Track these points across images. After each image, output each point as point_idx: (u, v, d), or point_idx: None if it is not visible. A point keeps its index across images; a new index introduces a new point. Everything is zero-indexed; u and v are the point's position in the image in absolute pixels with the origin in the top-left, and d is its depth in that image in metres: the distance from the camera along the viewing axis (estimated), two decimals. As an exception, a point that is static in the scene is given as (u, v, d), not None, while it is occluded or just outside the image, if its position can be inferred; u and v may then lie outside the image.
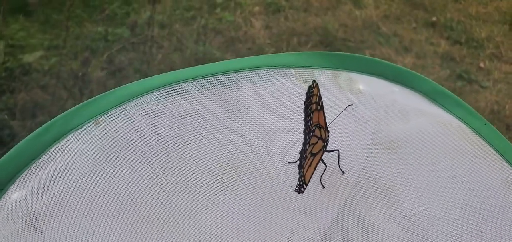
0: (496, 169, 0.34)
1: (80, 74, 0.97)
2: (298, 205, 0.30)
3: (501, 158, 0.35)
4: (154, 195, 0.29)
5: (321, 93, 0.29)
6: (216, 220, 0.29)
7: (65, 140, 0.29)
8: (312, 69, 0.35)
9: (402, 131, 0.35)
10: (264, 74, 0.33)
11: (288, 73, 0.34)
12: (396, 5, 1.40)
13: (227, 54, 1.15)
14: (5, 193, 0.28)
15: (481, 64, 1.24)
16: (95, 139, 0.30)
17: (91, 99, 0.31)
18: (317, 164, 0.29)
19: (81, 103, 0.31)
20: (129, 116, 0.31)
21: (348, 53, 0.37)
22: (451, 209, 0.32)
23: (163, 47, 1.14)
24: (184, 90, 0.32)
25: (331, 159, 0.31)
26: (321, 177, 0.31)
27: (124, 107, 0.31)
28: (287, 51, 1.19)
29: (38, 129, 0.29)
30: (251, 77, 0.33)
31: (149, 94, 0.31)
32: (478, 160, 0.34)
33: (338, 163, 0.31)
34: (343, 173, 0.32)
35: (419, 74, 0.38)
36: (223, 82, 0.33)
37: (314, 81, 0.28)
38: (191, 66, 0.32)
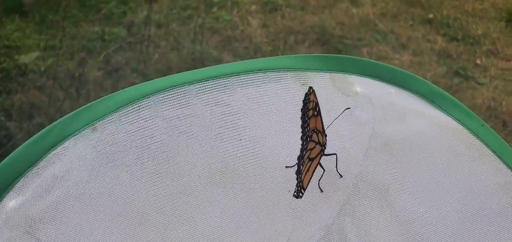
0: (493, 171, 0.34)
1: (76, 74, 0.97)
2: (296, 208, 0.30)
3: (498, 160, 0.35)
4: (151, 199, 0.29)
5: (318, 96, 0.29)
6: (213, 224, 0.29)
7: (62, 146, 0.29)
8: (308, 72, 0.35)
9: (399, 133, 0.35)
10: (260, 78, 0.33)
11: (284, 77, 0.34)
12: (392, 2, 1.40)
13: (224, 53, 1.15)
14: (1, 200, 0.27)
15: (478, 61, 1.24)
16: (92, 145, 0.30)
17: (88, 104, 0.31)
18: (315, 168, 0.29)
19: (78, 109, 0.30)
20: (126, 121, 0.31)
21: (345, 56, 0.37)
22: (448, 212, 0.32)
23: (160, 46, 1.14)
24: (181, 95, 0.32)
25: (329, 162, 0.31)
26: (319, 181, 0.31)
27: (121, 112, 0.31)
28: (284, 49, 1.19)
29: (35, 136, 0.29)
30: (247, 81, 0.33)
31: (146, 99, 0.31)
32: (475, 162, 0.34)
33: (336, 166, 0.31)
34: (341, 176, 0.32)
35: (416, 75, 0.38)
36: (219, 87, 0.33)
37: (310, 88, 0.28)
38: (188, 65, 0.32)
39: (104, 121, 0.30)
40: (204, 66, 0.34)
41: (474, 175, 0.34)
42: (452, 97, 0.37)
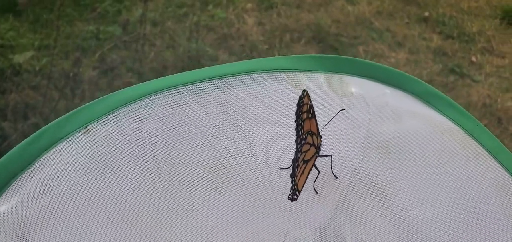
0: (488, 171, 0.34)
1: (71, 74, 0.96)
2: (292, 209, 0.30)
3: (493, 159, 0.35)
4: (145, 200, 0.29)
5: (313, 97, 0.29)
6: (208, 224, 0.29)
7: (55, 149, 0.29)
8: (303, 73, 0.35)
9: (394, 133, 0.35)
10: (255, 78, 0.33)
11: (279, 77, 0.34)
12: (388, 1, 1.40)
13: (219, 51, 1.14)
14: (-6, 203, 0.27)
15: (473, 59, 1.25)
16: (86, 147, 0.29)
17: (81, 107, 0.31)
18: (310, 170, 0.29)
19: (72, 111, 0.30)
20: (119, 123, 0.30)
21: (340, 56, 0.37)
22: (443, 211, 0.32)
23: (156, 45, 1.14)
24: (175, 96, 0.32)
25: (324, 164, 0.31)
26: (314, 182, 0.31)
27: (114, 114, 0.31)
28: (280, 47, 1.19)
29: (28, 138, 0.29)
30: (242, 81, 0.33)
31: (140, 100, 0.31)
32: (470, 161, 0.34)
33: (331, 168, 0.31)
34: (336, 177, 0.32)
35: (411, 75, 0.38)
36: (214, 87, 0.33)
37: (304, 90, 0.28)
38: (183, 63, 0.32)
39: (98, 122, 0.30)
40: (200, 64, 0.34)
41: (469, 175, 0.34)
42: (447, 97, 0.37)
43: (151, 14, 1.21)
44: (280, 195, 0.30)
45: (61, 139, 0.29)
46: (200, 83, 0.32)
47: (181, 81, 0.32)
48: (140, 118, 0.31)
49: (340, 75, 0.36)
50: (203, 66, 0.34)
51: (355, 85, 0.36)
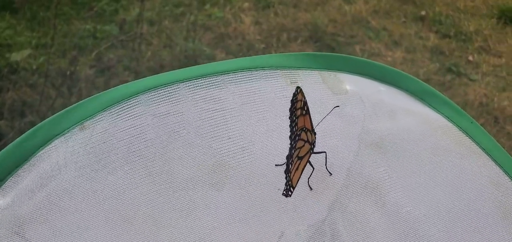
0: (482, 168, 0.34)
1: (68, 72, 0.96)
2: (287, 205, 0.30)
3: (487, 157, 0.35)
4: (142, 197, 0.29)
5: (308, 95, 0.29)
6: (205, 221, 0.29)
7: (51, 145, 0.29)
8: (298, 70, 0.35)
9: (389, 130, 0.35)
10: (250, 75, 0.33)
11: (274, 75, 0.34)
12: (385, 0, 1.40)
13: (216, 51, 1.14)
14: (-11, 200, 0.27)
15: (470, 58, 1.25)
16: (82, 143, 0.30)
17: (77, 103, 0.31)
18: (305, 166, 0.29)
19: (67, 108, 0.30)
20: (115, 119, 0.30)
21: (335, 54, 0.37)
22: (438, 208, 0.32)
23: (153, 44, 1.14)
24: (171, 93, 0.32)
25: (319, 160, 0.31)
26: (308, 179, 0.31)
27: (110, 111, 0.31)
28: (277, 47, 1.19)
29: (23, 135, 0.29)
30: (237, 78, 0.33)
31: (136, 97, 0.31)
32: (464, 159, 0.34)
33: (326, 164, 0.32)
34: (331, 174, 0.32)
35: (406, 73, 0.38)
36: (210, 84, 0.33)
37: (298, 87, 0.28)
38: (180, 62, 0.32)
39: (93, 119, 0.30)
40: (197, 63, 0.34)
41: (463, 172, 0.34)
42: (442, 95, 0.37)
43: (148, 13, 1.21)
44: (275, 191, 0.30)
45: (57, 135, 0.29)
46: (195, 80, 0.32)
47: (176, 78, 0.32)
48: (136, 115, 0.31)
49: (335, 72, 0.36)
50: (200, 66, 0.34)
51: (350, 82, 0.36)
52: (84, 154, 0.29)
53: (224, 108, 0.32)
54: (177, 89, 0.32)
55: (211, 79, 0.33)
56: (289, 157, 0.28)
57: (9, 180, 0.28)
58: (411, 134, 0.35)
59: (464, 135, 0.36)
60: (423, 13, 1.38)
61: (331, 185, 0.32)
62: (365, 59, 0.38)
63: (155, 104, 0.31)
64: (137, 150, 0.30)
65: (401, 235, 0.31)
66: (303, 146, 0.29)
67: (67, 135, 0.30)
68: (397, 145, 0.34)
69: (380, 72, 0.37)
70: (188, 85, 0.32)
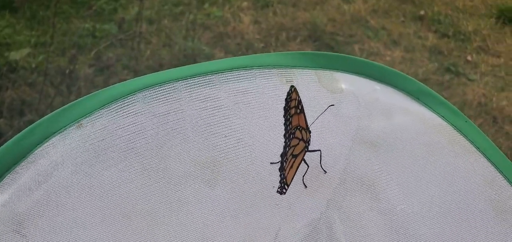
0: (476, 166, 0.35)
1: (67, 71, 0.96)
2: (282, 203, 0.31)
3: (482, 155, 0.35)
4: (139, 194, 0.29)
5: (304, 94, 0.29)
6: (201, 218, 0.29)
7: (48, 143, 0.29)
8: (294, 69, 0.35)
9: (384, 129, 0.35)
10: (246, 75, 0.34)
11: (270, 74, 0.34)
12: (384, -1, 1.41)
13: (215, 50, 1.15)
14: (-13, 198, 0.28)
15: (469, 57, 1.25)
16: (79, 141, 0.30)
17: (75, 101, 0.31)
18: (299, 164, 0.30)
19: (65, 106, 0.31)
20: (112, 118, 0.31)
21: (331, 53, 0.37)
22: (432, 205, 0.33)
23: (152, 43, 1.14)
24: (168, 91, 0.32)
25: (314, 159, 0.32)
26: (303, 177, 0.31)
27: (107, 109, 0.31)
28: (276, 46, 1.20)
29: (21, 132, 0.29)
30: (234, 77, 0.34)
31: (133, 95, 0.31)
32: (458, 157, 0.35)
33: (320, 162, 0.32)
34: (325, 172, 0.32)
35: (402, 73, 0.38)
36: (207, 83, 0.33)
37: (292, 86, 0.28)
38: (179, 61, 0.33)
39: (91, 117, 0.31)
40: (195, 62, 0.34)
41: (457, 170, 0.34)
42: (437, 94, 0.38)
43: (147, 12, 1.21)
44: (270, 189, 0.31)
45: (54, 133, 0.30)
46: (192, 79, 0.33)
47: (173, 77, 0.32)
48: (132, 113, 0.31)
49: (331, 72, 0.36)
50: (199, 65, 0.34)
51: (346, 81, 0.36)
52: (81, 151, 0.30)
53: (220, 107, 0.33)
54: (174, 87, 0.32)
55: (208, 78, 0.33)
56: (283, 155, 0.29)
57: (6, 177, 0.28)
58: (406, 132, 0.35)
59: (459, 134, 0.36)
60: (422, 12, 1.38)
61: (326, 183, 0.32)
62: (361, 58, 0.38)
63: (152, 102, 0.32)
64: (134, 147, 0.30)
65: (396, 232, 0.32)
66: (298, 144, 0.29)
67: (64, 132, 0.30)
68: (392, 143, 0.34)
69: (376, 71, 0.37)
70: (185, 84, 0.32)
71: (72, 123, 0.30)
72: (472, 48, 1.28)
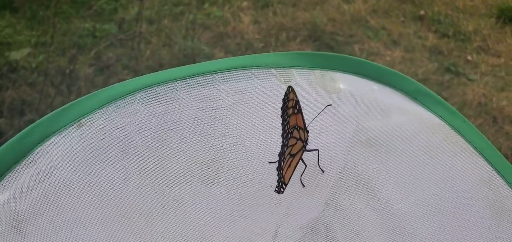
0: (474, 166, 0.35)
1: (67, 71, 0.97)
2: (281, 202, 0.31)
3: (479, 155, 0.36)
4: (138, 193, 0.30)
5: (302, 94, 0.29)
6: (200, 218, 0.30)
7: (48, 142, 0.30)
8: (292, 69, 0.35)
9: (382, 128, 0.35)
10: (245, 74, 0.34)
11: (269, 74, 0.34)
12: (384, -1, 1.41)
13: (215, 50, 1.15)
14: (-13, 196, 0.28)
15: (469, 57, 1.25)
16: (79, 140, 0.30)
17: (74, 101, 0.31)
18: (297, 164, 0.30)
19: (65, 106, 0.31)
20: (112, 117, 0.31)
21: (329, 53, 0.37)
22: (429, 204, 0.33)
23: (152, 43, 1.14)
24: (167, 91, 0.32)
25: (312, 158, 0.32)
26: (301, 176, 0.31)
27: (107, 109, 0.31)
28: (275, 46, 1.20)
29: (21, 132, 0.29)
30: (233, 77, 0.34)
31: (132, 95, 0.32)
32: (455, 157, 0.35)
33: (318, 162, 0.32)
34: (323, 171, 0.32)
35: (400, 73, 0.38)
36: (205, 83, 0.33)
37: (289, 87, 0.28)
38: (179, 61, 0.33)
39: (91, 116, 0.31)
40: (195, 62, 0.34)
41: (454, 170, 0.34)
42: (435, 94, 0.38)
43: (147, 12, 1.21)
44: (268, 187, 0.31)
45: (55, 132, 0.30)
46: (191, 79, 0.33)
47: (172, 76, 0.33)
48: (131, 113, 0.31)
49: (329, 72, 0.36)
50: (198, 65, 0.34)
51: (344, 82, 0.36)
52: (81, 150, 0.30)
53: (218, 107, 0.33)
54: (173, 87, 0.32)
55: (207, 77, 0.33)
56: (281, 154, 0.29)
57: (7, 176, 0.28)
58: (403, 132, 0.35)
59: (456, 134, 0.36)
60: (422, 12, 1.38)
61: (324, 182, 0.32)
62: (359, 58, 0.38)
63: (151, 102, 0.32)
64: (133, 146, 0.30)
65: (394, 231, 0.32)
66: (296, 143, 0.29)
67: (64, 132, 0.30)
68: (390, 143, 0.35)
69: (374, 71, 0.38)
70: (184, 84, 0.33)
71: (72, 122, 0.30)
72: (472, 48, 1.28)
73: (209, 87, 0.33)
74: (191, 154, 0.31)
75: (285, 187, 0.29)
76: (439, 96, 0.38)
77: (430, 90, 0.38)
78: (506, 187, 0.35)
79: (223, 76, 0.33)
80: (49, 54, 1.00)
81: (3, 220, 0.27)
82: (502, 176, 0.35)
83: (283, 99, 0.28)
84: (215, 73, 0.33)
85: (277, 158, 0.29)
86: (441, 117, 0.37)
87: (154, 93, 0.32)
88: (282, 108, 0.29)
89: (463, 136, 0.36)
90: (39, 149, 0.29)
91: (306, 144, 0.30)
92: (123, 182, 0.29)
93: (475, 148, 0.36)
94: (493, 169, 0.35)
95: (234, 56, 1.12)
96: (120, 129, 0.31)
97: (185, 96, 0.32)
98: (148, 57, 1.10)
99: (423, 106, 0.37)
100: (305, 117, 0.30)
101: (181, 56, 1.10)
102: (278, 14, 1.30)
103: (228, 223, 0.30)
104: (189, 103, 0.32)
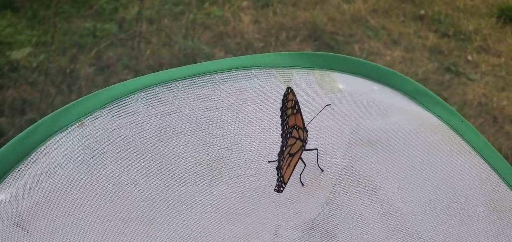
0: (472, 165, 0.35)
1: (68, 70, 0.97)
2: (280, 201, 0.31)
3: (477, 155, 0.36)
4: (140, 192, 0.30)
5: (301, 93, 0.29)
6: (199, 215, 0.30)
7: (50, 142, 0.30)
8: (292, 69, 0.35)
9: (381, 128, 0.35)
10: (245, 74, 0.34)
11: (269, 74, 0.35)
12: (384, -1, 1.41)
13: (215, 49, 1.15)
14: (-9, 194, 0.28)
15: (469, 57, 1.25)
16: (81, 140, 0.30)
17: (77, 100, 0.31)
18: (296, 163, 0.30)
19: (67, 105, 0.31)
20: (114, 116, 0.31)
21: (328, 53, 0.38)
22: (428, 203, 0.33)
23: (152, 42, 1.15)
24: (168, 91, 0.33)
25: (311, 157, 0.32)
26: (300, 175, 0.32)
27: (109, 108, 0.31)
28: (276, 45, 1.20)
29: (24, 131, 0.30)
30: (233, 77, 0.34)
31: (133, 95, 0.32)
32: (454, 156, 0.35)
33: (317, 161, 0.32)
34: (322, 170, 0.32)
35: (399, 73, 0.39)
36: (206, 83, 0.33)
37: (288, 88, 0.29)
38: (179, 61, 0.33)
39: (92, 116, 0.31)
40: (195, 62, 0.34)
41: (453, 169, 0.35)
42: (434, 94, 0.38)
43: (148, 11, 1.21)
44: (267, 186, 0.31)
45: (57, 132, 0.30)
46: (191, 79, 0.33)
47: (172, 76, 0.33)
48: (132, 113, 0.31)
49: (329, 72, 0.36)
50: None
51: (343, 82, 0.36)
52: (82, 150, 0.30)
53: (219, 107, 0.33)
54: (174, 87, 0.33)
55: (207, 77, 0.33)
56: (280, 154, 0.29)
57: (10, 175, 0.29)
58: (402, 131, 0.36)
59: (455, 133, 0.36)
60: (422, 12, 1.39)
61: (324, 181, 0.32)
62: (358, 58, 0.38)
63: (152, 102, 0.32)
64: (134, 146, 0.31)
65: (393, 230, 0.32)
66: (295, 143, 0.30)
67: (66, 131, 0.30)
68: (389, 142, 0.35)
69: (373, 71, 0.38)
70: (185, 84, 0.33)
71: (74, 122, 0.31)
72: (473, 48, 1.28)
73: (209, 87, 0.33)
74: (191, 153, 0.31)
75: (285, 186, 0.29)
76: (438, 96, 0.38)
77: (429, 90, 0.38)
78: (504, 186, 0.35)
79: (223, 76, 0.34)
80: (49, 54, 1.01)
81: (6, 218, 0.27)
82: (500, 175, 0.35)
83: (283, 100, 0.29)
84: (215, 73, 0.34)
85: (277, 157, 0.29)
86: (439, 117, 0.37)
87: (155, 93, 0.32)
88: (281, 108, 0.29)
89: (461, 135, 0.36)
90: (41, 148, 0.30)
91: (306, 143, 0.31)
92: (125, 181, 0.30)
93: (473, 148, 0.36)
94: (491, 168, 0.35)
95: (234, 55, 1.12)
96: (122, 128, 0.31)
97: (186, 96, 0.33)
98: (148, 57, 1.10)
99: (422, 106, 0.38)
100: (304, 117, 0.30)
101: (181, 56, 1.11)
102: (278, 13, 1.30)
103: (228, 222, 0.30)
104: (190, 103, 0.32)
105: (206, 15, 1.27)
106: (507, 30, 1.34)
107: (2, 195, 0.28)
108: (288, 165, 0.29)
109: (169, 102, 0.32)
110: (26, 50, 1.02)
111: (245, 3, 1.32)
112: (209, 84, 0.33)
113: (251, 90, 0.34)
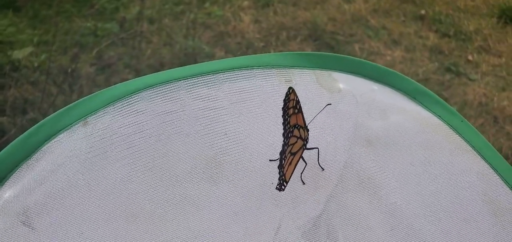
0: (471, 164, 0.35)
1: (69, 70, 0.97)
2: (281, 200, 0.31)
3: (477, 154, 0.36)
4: (141, 191, 0.30)
5: (302, 93, 0.30)
6: (201, 214, 0.30)
7: (55, 140, 0.30)
8: (293, 69, 0.36)
9: (381, 127, 0.36)
10: (246, 74, 0.34)
11: (270, 73, 0.35)
12: (384, -2, 1.41)
13: (216, 49, 1.15)
14: (-4, 192, 0.28)
15: (469, 57, 1.25)
16: (84, 139, 0.30)
17: (80, 100, 0.32)
18: (297, 162, 0.30)
19: (70, 105, 0.31)
20: (116, 116, 0.31)
21: (329, 53, 0.38)
22: (428, 201, 0.33)
23: (153, 42, 1.15)
24: (170, 91, 0.33)
25: (312, 156, 0.32)
26: (301, 174, 0.32)
27: (112, 107, 0.32)
28: (276, 45, 1.20)
29: (29, 130, 0.30)
30: (234, 77, 0.34)
31: (136, 94, 0.32)
32: (454, 156, 0.35)
33: (318, 160, 0.33)
34: (323, 169, 0.33)
35: (399, 73, 0.39)
36: (207, 82, 0.34)
37: (290, 88, 0.29)
38: (180, 60, 0.33)
39: (95, 115, 0.31)
40: (196, 62, 0.35)
41: (452, 168, 0.35)
42: (434, 94, 0.38)
43: (148, 11, 1.22)
44: (269, 185, 0.31)
45: (60, 131, 0.30)
46: (193, 78, 0.33)
47: (174, 76, 0.33)
48: (135, 112, 0.32)
49: (329, 72, 0.37)
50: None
51: (344, 81, 0.37)
52: (86, 149, 0.30)
53: (220, 106, 0.33)
54: (176, 87, 0.33)
55: (209, 77, 0.34)
56: (282, 152, 0.29)
57: (14, 173, 0.29)
58: (402, 131, 0.36)
59: (454, 133, 0.37)
60: (422, 12, 1.39)
61: (325, 180, 0.33)
62: (359, 58, 0.39)
63: (155, 101, 0.32)
64: (136, 145, 0.31)
65: (394, 227, 0.32)
66: (296, 142, 0.30)
67: (70, 130, 0.30)
68: (389, 142, 0.35)
69: (374, 71, 0.38)
70: (186, 83, 0.33)
71: (78, 121, 0.31)
72: (473, 48, 1.28)
73: (210, 87, 0.33)
74: (193, 152, 0.32)
75: (286, 184, 0.29)
76: (437, 96, 0.38)
77: (429, 90, 0.38)
78: (503, 185, 0.35)
79: (225, 76, 0.34)
80: (51, 53, 1.01)
81: (12, 216, 0.28)
82: (499, 174, 0.35)
83: (284, 100, 0.29)
84: (216, 73, 0.34)
85: (278, 156, 0.30)
86: (439, 116, 0.37)
87: (157, 92, 0.32)
88: (283, 108, 0.29)
89: (461, 135, 0.37)
90: (45, 147, 0.30)
91: (307, 142, 0.31)
92: (128, 180, 0.30)
93: (473, 147, 0.36)
94: (490, 168, 0.36)
95: (235, 55, 1.12)
96: (125, 127, 0.31)
97: (187, 96, 0.33)
98: (149, 56, 1.10)
99: (422, 106, 0.38)
100: (305, 116, 0.31)
101: (181, 56, 1.11)
102: (279, 13, 1.30)
103: (230, 220, 0.30)
104: (191, 102, 0.33)
105: (207, 14, 1.27)
106: (507, 30, 1.34)
107: (7, 193, 0.28)
108: (290, 164, 0.30)
109: (171, 101, 0.32)
110: (28, 49, 1.03)
111: (245, 3, 1.32)
112: (210, 84, 0.34)
113: (252, 90, 0.34)
